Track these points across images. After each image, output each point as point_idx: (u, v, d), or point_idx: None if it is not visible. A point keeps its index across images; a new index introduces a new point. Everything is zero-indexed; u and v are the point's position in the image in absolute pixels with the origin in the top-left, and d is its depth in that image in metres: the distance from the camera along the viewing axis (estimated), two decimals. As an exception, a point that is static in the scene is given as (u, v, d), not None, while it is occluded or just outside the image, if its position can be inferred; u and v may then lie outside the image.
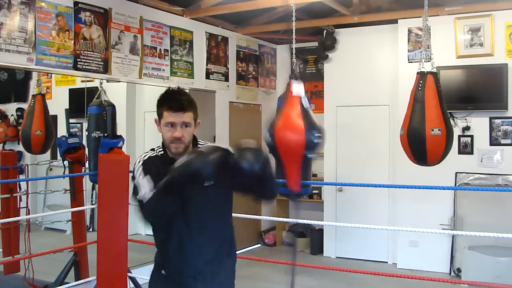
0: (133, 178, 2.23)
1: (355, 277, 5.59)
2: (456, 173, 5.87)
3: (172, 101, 2.18)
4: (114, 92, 5.55)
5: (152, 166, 2.21)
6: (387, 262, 6.48)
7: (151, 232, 2.37)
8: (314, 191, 7.19)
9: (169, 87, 2.30)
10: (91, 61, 4.87)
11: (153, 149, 2.34)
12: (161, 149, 2.31)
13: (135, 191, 2.18)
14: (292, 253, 6.31)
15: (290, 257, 5.85)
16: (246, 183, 2.12)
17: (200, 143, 2.32)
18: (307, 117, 2.07)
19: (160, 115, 2.22)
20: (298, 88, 2.05)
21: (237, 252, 2.46)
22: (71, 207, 5.00)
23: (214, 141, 6.79)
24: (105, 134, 4.88)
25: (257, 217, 5.90)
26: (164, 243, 2.29)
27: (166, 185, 2.02)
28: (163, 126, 2.21)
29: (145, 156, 2.29)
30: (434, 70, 4.32)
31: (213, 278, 2.28)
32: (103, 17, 5.00)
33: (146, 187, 2.12)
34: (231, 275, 2.42)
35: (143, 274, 4.90)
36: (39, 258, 4.66)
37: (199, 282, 2.26)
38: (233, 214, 2.44)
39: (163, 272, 2.32)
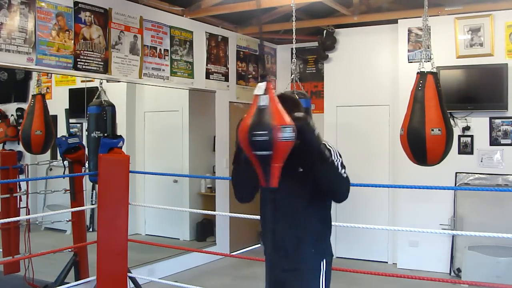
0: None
1: (355, 277, 5.59)
2: (456, 173, 5.87)
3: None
4: (114, 92, 5.55)
5: None
6: (387, 262, 6.48)
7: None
8: (314, 191, 7.17)
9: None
10: (91, 61, 4.87)
11: None
12: None
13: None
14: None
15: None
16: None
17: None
18: (256, 115, 2.08)
19: None
20: (258, 87, 2.09)
21: (317, 249, 2.52)
22: (71, 207, 4.99)
23: (214, 141, 6.79)
24: (105, 134, 4.88)
25: (257, 217, 5.87)
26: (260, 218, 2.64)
27: (235, 154, 2.40)
28: None
29: None
30: (434, 70, 4.32)
31: (293, 253, 2.46)
32: (103, 17, 5.00)
33: None
34: (314, 264, 2.49)
35: (143, 274, 4.91)
36: (39, 258, 4.65)
37: (281, 257, 2.46)
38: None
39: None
